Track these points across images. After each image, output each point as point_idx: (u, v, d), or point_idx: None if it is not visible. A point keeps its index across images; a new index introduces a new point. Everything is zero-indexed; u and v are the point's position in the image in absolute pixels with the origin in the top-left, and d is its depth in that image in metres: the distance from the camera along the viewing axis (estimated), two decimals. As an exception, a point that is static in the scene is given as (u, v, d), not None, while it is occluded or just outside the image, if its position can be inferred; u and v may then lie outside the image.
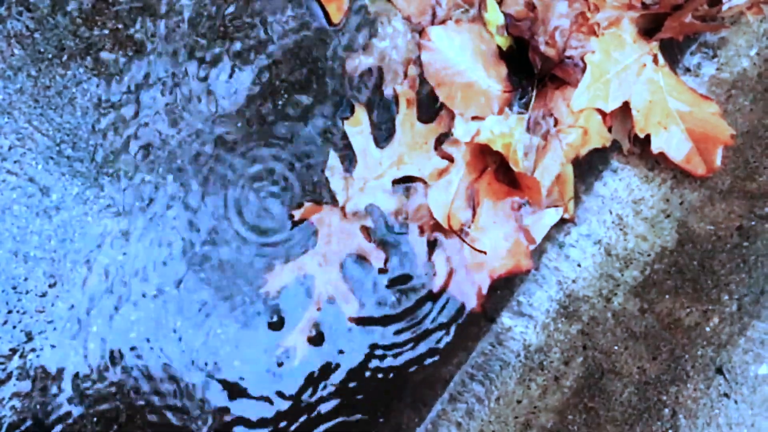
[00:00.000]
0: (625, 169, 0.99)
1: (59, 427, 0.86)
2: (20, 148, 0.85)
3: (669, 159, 0.95)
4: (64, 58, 0.86)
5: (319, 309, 0.93)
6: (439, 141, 0.95)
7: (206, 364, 0.90)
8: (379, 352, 0.95)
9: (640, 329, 0.93)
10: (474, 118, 0.93)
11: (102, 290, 0.87)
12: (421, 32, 0.93)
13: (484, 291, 0.96)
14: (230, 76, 0.91)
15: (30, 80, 0.85)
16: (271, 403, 0.92)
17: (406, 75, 0.94)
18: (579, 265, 0.98)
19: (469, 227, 0.95)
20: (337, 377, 0.94)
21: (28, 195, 0.85)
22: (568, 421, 0.92)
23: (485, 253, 0.95)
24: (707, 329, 0.89)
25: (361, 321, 0.94)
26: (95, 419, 0.87)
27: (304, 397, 0.93)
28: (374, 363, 0.95)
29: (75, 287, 0.87)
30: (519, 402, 0.95)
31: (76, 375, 0.87)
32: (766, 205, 0.91)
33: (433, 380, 0.97)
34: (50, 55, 0.86)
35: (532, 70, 0.94)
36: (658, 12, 0.93)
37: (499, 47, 0.95)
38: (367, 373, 0.95)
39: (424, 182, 0.95)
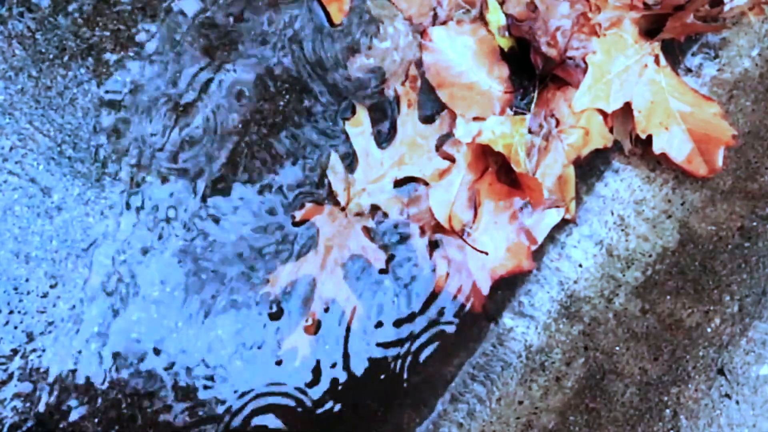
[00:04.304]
0: (627, 169, 0.99)
1: (60, 427, 0.86)
2: (21, 148, 0.85)
3: (670, 159, 0.95)
4: (66, 58, 0.86)
5: (327, 310, 0.93)
6: (441, 141, 0.95)
7: (208, 363, 0.90)
8: (379, 352, 0.95)
9: (641, 330, 0.93)
10: (475, 118, 0.93)
11: (103, 291, 0.87)
12: (423, 33, 0.93)
13: (485, 291, 0.96)
14: (230, 77, 0.91)
15: (31, 81, 0.85)
16: (271, 402, 0.92)
17: (407, 75, 0.94)
18: (580, 266, 0.98)
19: (470, 228, 0.95)
20: (337, 377, 0.94)
21: (29, 196, 0.85)
22: (570, 421, 0.92)
23: (486, 253, 0.95)
24: (708, 330, 0.89)
25: (362, 321, 0.94)
26: (97, 420, 0.87)
27: (305, 397, 0.93)
28: (375, 363, 0.95)
29: (76, 288, 0.87)
30: (520, 403, 0.95)
31: (78, 375, 0.87)
32: (768, 206, 0.92)
33: (434, 380, 0.97)
34: (51, 56, 0.86)
35: (533, 70, 0.94)
36: (659, 13, 0.93)
37: (500, 48, 0.95)
38: (368, 373, 0.95)
39: (426, 183, 0.95)
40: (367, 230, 0.94)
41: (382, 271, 0.95)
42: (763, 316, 0.87)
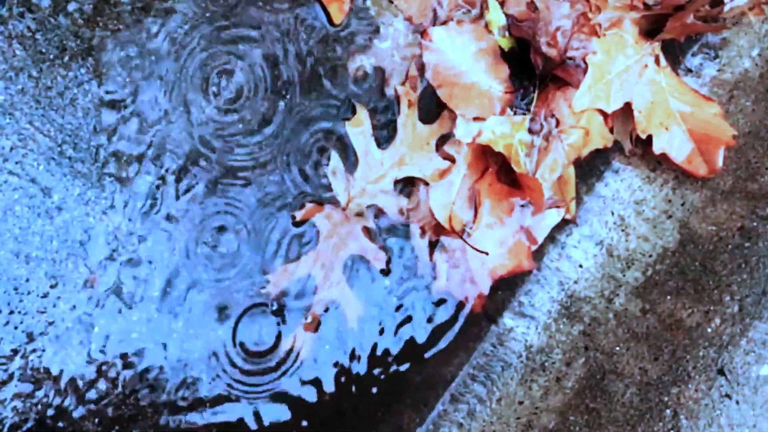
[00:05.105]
0: (627, 169, 0.99)
1: (60, 427, 0.86)
2: (22, 148, 0.85)
3: (671, 160, 0.95)
4: (66, 58, 0.86)
5: (327, 310, 0.93)
6: (441, 142, 0.95)
7: (208, 363, 0.90)
8: (380, 352, 0.95)
9: (641, 330, 0.93)
10: (475, 118, 0.93)
11: (103, 290, 0.87)
12: (423, 33, 0.93)
13: (485, 291, 0.96)
14: (231, 78, 0.91)
15: (31, 81, 0.85)
16: (272, 403, 0.92)
17: (407, 75, 0.94)
18: (580, 266, 0.98)
19: (470, 228, 0.95)
20: (337, 377, 0.94)
21: (29, 196, 0.85)
22: (570, 422, 0.92)
23: (486, 253, 0.95)
24: (709, 330, 0.89)
25: (362, 321, 0.94)
26: (97, 420, 0.87)
27: (306, 397, 0.93)
28: (375, 363, 0.95)
29: (76, 288, 0.87)
30: (521, 403, 0.95)
31: (78, 375, 0.87)
32: (768, 206, 0.92)
33: (434, 381, 0.97)
34: (52, 56, 0.86)
35: (533, 70, 0.94)
36: (659, 13, 0.93)
37: (500, 48, 0.95)
38: (368, 373, 0.95)
39: (426, 183, 0.95)
40: (367, 230, 0.94)
41: (382, 272, 0.95)
42: (763, 316, 0.87)
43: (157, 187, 0.89)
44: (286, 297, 0.92)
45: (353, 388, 0.94)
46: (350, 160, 0.94)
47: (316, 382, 0.93)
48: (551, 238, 0.98)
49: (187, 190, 0.90)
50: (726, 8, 0.94)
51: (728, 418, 0.84)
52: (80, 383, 0.87)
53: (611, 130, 0.97)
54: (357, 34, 0.94)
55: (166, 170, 0.89)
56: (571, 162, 0.95)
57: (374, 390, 0.95)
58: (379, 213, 0.94)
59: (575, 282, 0.98)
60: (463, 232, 0.95)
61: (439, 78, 0.93)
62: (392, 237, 0.95)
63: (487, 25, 0.94)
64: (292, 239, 0.92)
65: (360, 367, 0.94)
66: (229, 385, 0.91)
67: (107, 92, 0.87)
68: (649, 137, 0.95)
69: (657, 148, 0.95)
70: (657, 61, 0.95)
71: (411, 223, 0.95)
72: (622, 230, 0.98)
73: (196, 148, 0.90)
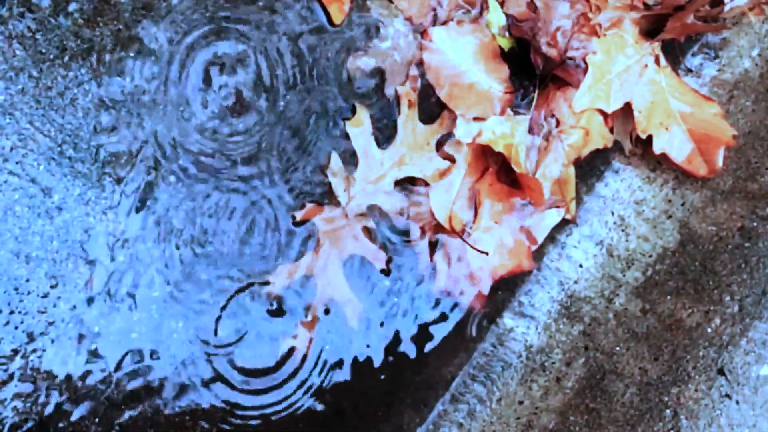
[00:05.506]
0: (627, 169, 0.99)
1: (60, 427, 0.86)
2: (22, 148, 0.85)
3: (671, 160, 0.95)
4: (66, 58, 0.86)
5: (327, 311, 0.93)
6: (441, 142, 0.95)
7: (208, 363, 0.90)
8: (379, 351, 0.95)
9: (641, 330, 0.93)
10: (475, 118, 0.93)
11: (103, 291, 0.87)
12: (423, 33, 0.94)
13: (486, 291, 0.96)
14: (230, 77, 0.91)
15: (32, 81, 0.85)
16: (273, 402, 0.92)
17: (407, 76, 0.94)
18: (580, 266, 0.98)
19: (470, 228, 0.95)
20: (337, 377, 0.94)
21: (29, 196, 0.85)
22: (570, 422, 0.92)
23: (487, 253, 0.95)
24: (709, 330, 0.89)
25: (362, 321, 0.94)
26: (97, 420, 0.87)
27: (305, 396, 0.93)
28: (375, 363, 0.95)
29: (76, 288, 0.87)
30: (521, 403, 0.95)
31: (78, 375, 0.87)
32: (768, 206, 0.92)
33: (434, 381, 0.97)
34: (52, 56, 0.86)
35: (533, 70, 0.94)
36: (659, 13, 0.93)
37: (500, 48, 0.95)
38: (368, 373, 0.95)
39: (426, 183, 0.95)
40: (367, 230, 0.94)
41: (382, 271, 0.95)
42: (763, 316, 0.87)
43: (157, 186, 0.89)
44: (286, 297, 0.92)
45: (353, 388, 0.94)
46: (350, 160, 0.94)
47: (316, 382, 0.93)
48: (551, 238, 0.98)
49: (186, 190, 0.90)
50: (726, 8, 0.94)
51: (728, 418, 0.84)
52: (80, 383, 0.87)
53: (611, 130, 0.97)
54: (357, 34, 0.94)
55: (165, 170, 0.89)
56: (571, 162, 0.96)
57: (374, 390, 0.95)
58: (379, 213, 0.94)
59: (575, 282, 0.98)
60: (463, 232, 0.95)
61: (439, 78, 0.93)
62: (392, 237, 0.95)
63: (487, 25, 0.94)
64: (292, 239, 0.92)
65: (360, 367, 0.94)
66: (228, 384, 0.91)
67: (107, 92, 0.87)
68: (649, 137, 0.95)
69: (657, 148, 0.95)
70: (657, 61, 0.95)
71: (411, 223, 0.95)
72: (622, 230, 0.98)
73: (195, 148, 0.90)
